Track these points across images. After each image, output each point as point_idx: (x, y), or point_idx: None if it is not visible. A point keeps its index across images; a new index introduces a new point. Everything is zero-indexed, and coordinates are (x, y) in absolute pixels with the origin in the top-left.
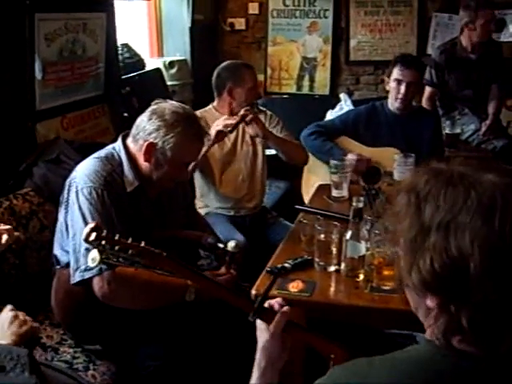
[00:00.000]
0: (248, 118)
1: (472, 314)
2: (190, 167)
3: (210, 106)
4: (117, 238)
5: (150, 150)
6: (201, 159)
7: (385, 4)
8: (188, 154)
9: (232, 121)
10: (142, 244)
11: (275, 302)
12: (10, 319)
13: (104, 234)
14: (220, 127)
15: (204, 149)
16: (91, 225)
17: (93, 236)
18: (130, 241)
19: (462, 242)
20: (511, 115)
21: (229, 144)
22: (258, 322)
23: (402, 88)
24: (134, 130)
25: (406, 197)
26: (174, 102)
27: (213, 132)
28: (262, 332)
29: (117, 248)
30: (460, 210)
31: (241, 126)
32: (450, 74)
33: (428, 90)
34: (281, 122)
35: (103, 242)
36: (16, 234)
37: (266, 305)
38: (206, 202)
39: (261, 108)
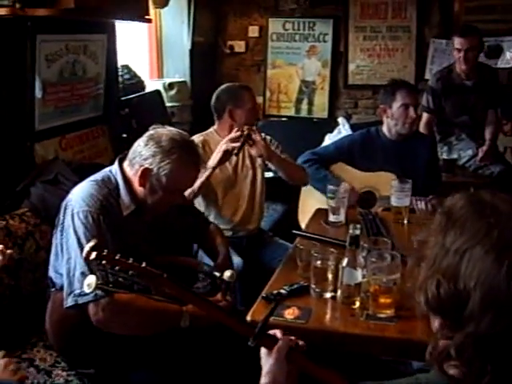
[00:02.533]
0: (255, 136)
1: (460, 343)
2: (189, 191)
3: (211, 130)
4: (117, 257)
5: (146, 175)
6: (203, 184)
7: (383, 29)
8: (183, 182)
9: (236, 135)
10: (143, 265)
11: (277, 331)
12: (3, 366)
13: (105, 253)
14: (225, 147)
15: (208, 171)
16: (91, 243)
17: (93, 255)
18: (130, 261)
19: (470, 274)
20: (508, 141)
21: (230, 168)
22: (262, 350)
23: (411, 111)
24: (130, 154)
25: (439, 216)
26: (171, 128)
27: (218, 155)
28: (266, 358)
29: (117, 268)
30: (478, 243)
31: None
32: (446, 100)
33: (425, 116)
34: (280, 145)
35: (104, 262)
36: (8, 252)
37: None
38: None
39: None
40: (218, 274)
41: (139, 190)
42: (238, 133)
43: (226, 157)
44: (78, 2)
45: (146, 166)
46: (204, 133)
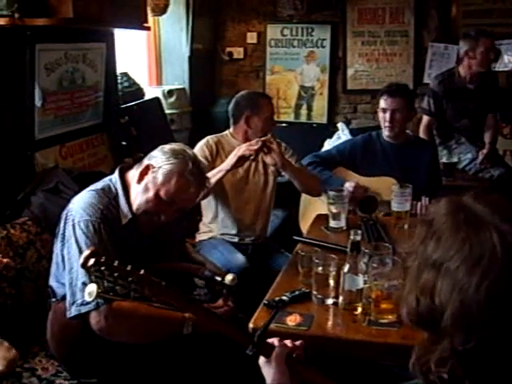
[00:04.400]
0: (271, 145)
1: (439, 357)
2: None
3: (226, 132)
4: (116, 264)
5: (146, 170)
6: (215, 185)
7: (381, 34)
8: (176, 190)
9: (254, 146)
10: (142, 272)
11: (275, 339)
12: None
13: (103, 259)
14: (242, 152)
15: (221, 173)
16: (88, 250)
17: (91, 261)
18: (129, 268)
19: (445, 288)
20: (508, 144)
21: (242, 171)
22: (261, 360)
23: (387, 116)
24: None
25: (420, 227)
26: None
27: (234, 159)
28: (267, 367)
29: (116, 275)
30: (452, 257)
31: None
32: (447, 103)
33: (425, 118)
34: (295, 153)
35: (102, 268)
36: (5, 260)
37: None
38: (210, 227)
39: (277, 139)
40: (219, 278)
41: (134, 191)
42: (256, 146)
43: (240, 162)
44: (77, 11)
45: (151, 162)
46: (219, 134)
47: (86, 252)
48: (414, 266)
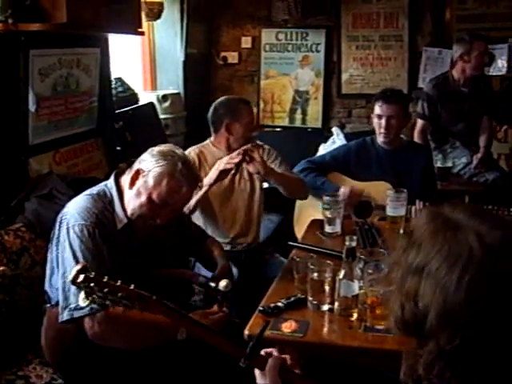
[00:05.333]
0: (252, 154)
1: (426, 361)
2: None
3: (208, 142)
4: (105, 279)
5: (137, 175)
6: (199, 201)
7: (376, 38)
8: (168, 192)
9: (235, 160)
10: (132, 287)
11: (269, 350)
12: None
13: (92, 275)
14: (223, 166)
15: (204, 189)
16: (78, 266)
17: (81, 278)
18: (119, 283)
19: (427, 290)
20: (502, 147)
21: (227, 180)
22: (256, 371)
23: (383, 122)
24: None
25: (401, 238)
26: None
27: (215, 173)
28: (262, 380)
29: (105, 290)
30: (432, 259)
31: None
32: (442, 107)
33: (420, 122)
34: (279, 155)
35: (92, 284)
36: (0, 268)
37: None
38: None
39: (258, 143)
40: (213, 284)
41: (128, 196)
42: (237, 159)
43: (221, 176)
44: (70, 16)
45: (141, 167)
46: (200, 145)
47: (75, 268)
48: (398, 276)
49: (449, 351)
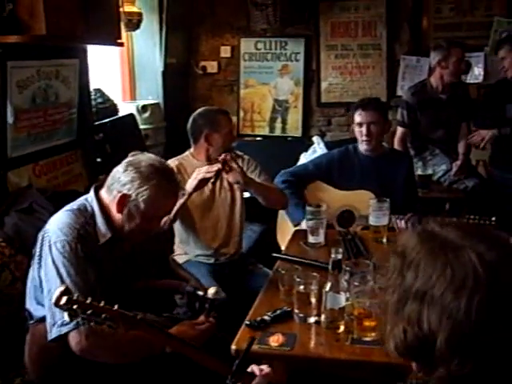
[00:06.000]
0: (231, 164)
1: None
2: (166, 219)
3: (187, 153)
4: (88, 301)
5: (124, 201)
6: (179, 210)
7: (354, 47)
8: (161, 208)
9: (214, 168)
10: (115, 307)
11: (256, 368)
12: None
13: (75, 297)
14: (202, 175)
15: (184, 197)
16: (61, 288)
17: (63, 300)
18: (102, 304)
19: (433, 316)
20: (480, 154)
21: (207, 191)
22: None
23: (364, 130)
24: (109, 181)
25: (393, 259)
26: (150, 155)
27: (194, 182)
28: None
29: (89, 312)
30: (435, 283)
31: None
32: (422, 114)
33: (400, 130)
34: (258, 165)
35: (75, 306)
36: None
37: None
38: (185, 249)
39: (238, 153)
40: (201, 292)
41: (117, 217)
42: (215, 167)
43: (200, 185)
44: (49, 28)
45: (125, 191)
46: (179, 157)
47: (58, 290)
48: (393, 300)
49: (460, 377)
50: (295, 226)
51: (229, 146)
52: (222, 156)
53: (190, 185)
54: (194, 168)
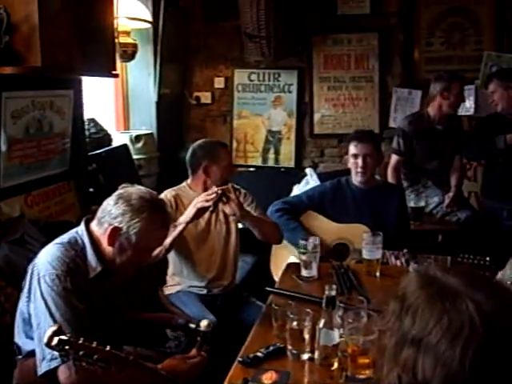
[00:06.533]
0: (229, 194)
1: None
2: (160, 249)
3: (184, 184)
4: (80, 341)
5: (115, 234)
6: (175, 240)
7: (347, 79)
8: (153, 240)
9: (212, 195)
10: (108, 348)
11: None
12: None
13: (67, 337)
14: (201, 204)
15: (181, 226)
16: (53, 328)
17: (55, 340)
18: (94, 344)
19: (427, 363)
20: (472, 186)
21: (203, 222)
22: None
23: (359, 161)
24: (99, 214)
25: (393, 303)
26: (141, 187)
27: (193, 210)
28: None
29: (81, 353)
30: (431, 331)
31: None
32: (417, 143)
33: (394, 158)
34: (255, 200)
35: (66, 347)
36: None
37: None
38: (177, 280)
39: (235, 186)
40: (193, 325)
41: (108, 249)
42: (214, 195)
43: (199, 213)
44: (45, 60)
45: (116, 224)
46: (176, 187)
47: (50, 330)
48: (391, 344)
49: None
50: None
51: (227, 179)
52: (222, 187)
53: (189, 213)
54: (191, 199)
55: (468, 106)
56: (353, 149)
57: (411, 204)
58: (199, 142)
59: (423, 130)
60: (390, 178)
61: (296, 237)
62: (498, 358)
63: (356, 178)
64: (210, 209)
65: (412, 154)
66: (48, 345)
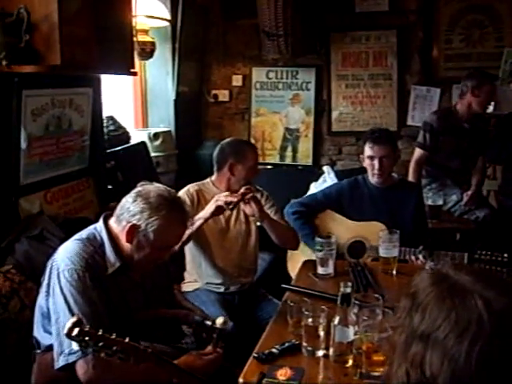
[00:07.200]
0: (248, 197)
1: None
2: (177, 247)
3: (208, 180)
4: (100, 333)
5: (133, 231)
6: (192, 234)
7: (365, 77)
8: (170, 238)
9: (233, 198)
10: (127, 340)
11: None
12: None
13: (87, 328)
14: (220, 203)
15: (200, 222)
16: (73, 319)
17: (75, 331)
18: (113, 336)
19: (435, 359)
20: (491, 184)
21: (223, 220)
22: None
23: (376, 163)
24: (118, 211)
25: (404, 300)
26: (159, 185)
27: (212, 207)
28: None
29: (100, 344)
30: (439, 326)
31: None
32: (443, 139)
33: (419, 152)
34: (275, 204)
35: (86, 338)
36: None
37: None
38: (195, 277)
39: (258, 187)
40: (209, 322)
41: (126, 246)
42: (235, 198)
43: (218, 211)
44: (64, 58)
45: (134, 222)
46: (200, 182)
47: (70, 321)
48: (401, 340)
49: None
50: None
51: (250, 180)
52: (243, 190)
53: (208, 210)
54: (213, 195)
55: None
56: (368, 150)
57: (429, 202)
58: (228, 139)
59: (451, 126)
60: (412, 173)
61: (308, 242)
62: (505, 355)
63: (373, 179)
64: (230, 207)
65: (436, 150)
66: (68, 335)
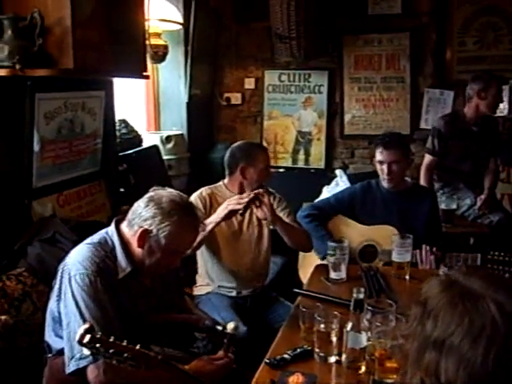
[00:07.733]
0: (262, 199)
1: None
2: (189, 252)
3: (221, 183)
4: (111, 340)
5: (144, 236)
6: (204, 238)
7: (378, 80)
8: (182, 243)
9: (244, 199)
10: (138, 347)
11: None
12: None
13: (98, 335)
14: (232, 207)
15: (211, 225)
16: (85, 325)
17: (87, 338)
18: (125, 343)
19: (450, 365)
20: (505, 188)
21: (235, 223)
22: None
23: (385, 168)
24: (130, 215)
25: (415, 308)
26: (171, 190)
27: (224, 212)
28: None
29: (111, 351)
30: (453, 332)
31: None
32: (452, 144)
33: (428, 158)
34: (288, 207)
35: (98, 345)
36: (2, 318)
37: None
38: (207, 280)
39: (270, 190)
40: (220, 327)
41: (137, 251)
42: (246, 199)
43: (229, 215)
44: (77, 62)
45: (146, 227)
46: (212, 186)
47: (82, 328)
48: (413, 349)
49: None
50: (322, 259)
51: (262, 182)
52: (255, 191)
53: (219, 214)
54: (226, 199)
55: (502, 107)
56: (378, 155)
57: (442, 206)
58: (239, 143)
59: (459, 130)
60: (423, 178)
61: (323, 244)
62: None
63: (383, 184)
64: (240, 211)
65: (446, 154)
66: (80, 342)
